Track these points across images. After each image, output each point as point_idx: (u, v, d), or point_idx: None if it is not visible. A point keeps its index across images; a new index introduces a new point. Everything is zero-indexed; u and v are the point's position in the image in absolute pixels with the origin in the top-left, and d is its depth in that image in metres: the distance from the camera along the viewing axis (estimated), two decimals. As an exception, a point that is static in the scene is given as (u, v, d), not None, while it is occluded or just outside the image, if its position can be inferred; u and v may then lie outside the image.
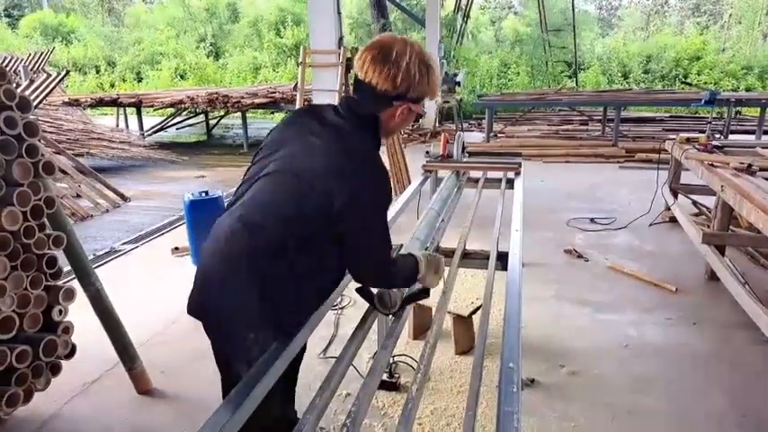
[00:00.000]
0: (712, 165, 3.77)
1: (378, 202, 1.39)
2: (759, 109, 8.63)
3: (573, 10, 14.72)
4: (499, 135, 9.96)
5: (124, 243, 4.75)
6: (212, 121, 12.72)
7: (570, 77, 14.69)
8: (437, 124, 10.64)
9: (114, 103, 10.30)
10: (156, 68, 18.49)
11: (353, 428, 1.28)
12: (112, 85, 18.38)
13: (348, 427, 1.26)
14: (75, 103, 9.63)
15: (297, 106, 5.11)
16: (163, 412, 2.45)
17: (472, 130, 11.05)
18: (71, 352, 2.38)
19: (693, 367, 2.70)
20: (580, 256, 4.17)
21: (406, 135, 9.64)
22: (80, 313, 2.48)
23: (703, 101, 5.09)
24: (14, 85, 2.12)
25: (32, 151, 2.17)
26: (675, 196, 4.86)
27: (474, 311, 2.81)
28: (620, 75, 15.52)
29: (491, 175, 3.67)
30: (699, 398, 2.45)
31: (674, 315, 3.23)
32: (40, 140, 2.22)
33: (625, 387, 2.54)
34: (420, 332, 3.03)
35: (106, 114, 13.98)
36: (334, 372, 1.45)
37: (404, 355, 2.75)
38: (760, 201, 2.83)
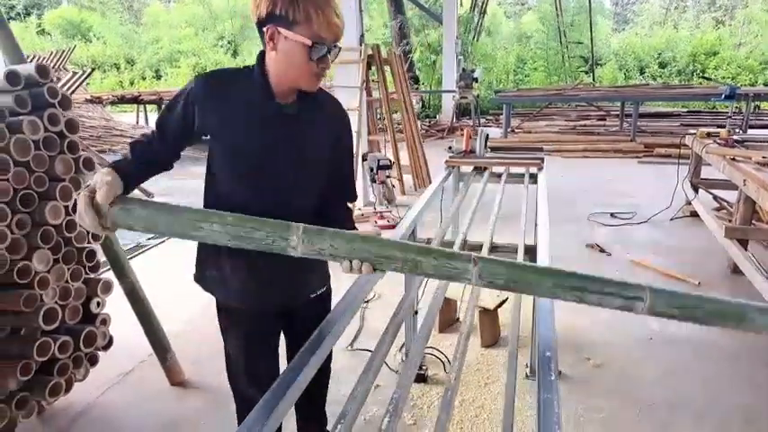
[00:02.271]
0: (734, 159, 3.75)
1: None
2: (780, 103, 8.51)
3: (589, 3, 14.60)
4: (516, 131, 9.94)
5: (150, 238, 4.85)
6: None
7: (587, 73, 14.58)
8: (454, 120, 10.63)
9: (135, 100, 10.46)
10: (175, 66, 18.70)
11: (395, 417, 1.33)
12: (132, 83, 18.65)
13: (390, 415, 1.31)
14: (96, 100, 9.80)
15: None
16: (195, 403, 2.51)
17: (489, 126, 11.03)
18: (109, 343, 2.45)
19: (718, 361, 2.71)
20: (602, 251, 4.18)
21: (423, 131, 9.66)
22: (112, 306, 2.56)
23: (723, 95, 5.06)
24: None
25: (73, 147, 2.24)
26: (696, 191, 4.84)
27: (500, 305, 2.85)
28: (636, 70, 15.38)
29: (513, 170, 3.70)
30: (724, 391, 2.46)
31: (699, 309, 3.23)
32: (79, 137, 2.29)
33: (649, 379, 2.56)
34: (446, 326, 3.07)
35: (126, 112, 14.17)
36: (370, 365, 1.49)
37: (431, 347, 2.79)
38: (786, 194, 2.82)
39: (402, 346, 2.78)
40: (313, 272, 1.59)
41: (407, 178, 6.01)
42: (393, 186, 5.26)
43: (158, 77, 18.99)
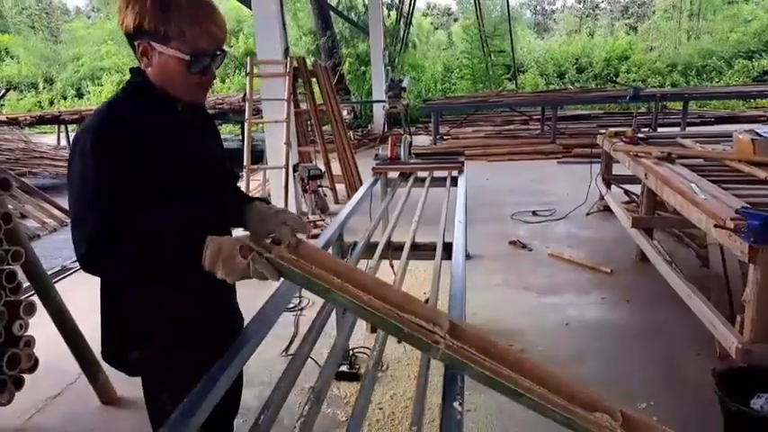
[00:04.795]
0: (637, 155, 4.10)
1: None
2: (682, 103, 9.28)
3: (509, 14, 15.32)
4: (445, 137, 10.27)
5: (75, 261, 4.68)
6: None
7: (510, 80, 15.26)
8: (386, 129, 10.84)
9: (56, 120, 9.98)
10: (97, 84, 17.95)
11: (314, 413, 1.40)
12: (52, 103, 17.71)
13: (312, 404, 1.39)
14: (13, 122, 9.29)
15: (246, 116, 5.18)
16: (130, 419, 2.49)
17: (420, 134, 11.33)
18: (34, 365, 2.39)
19: (627, 340, 2.97)
20: (524, 246, 4.44)
21: (356, 141, 9.80)
22: (39, 328, 2.50)
23: (628, 97, 5.48)
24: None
25: (-16, 169, 2.19)
26: (608, 186, 5.22)
27: (426, 302, 2.98)
28: (556, 76, 16.25)
29: (437, 174, 3.88)
30: (631, 366, 2.71)
31: (610, 294, 3.52)
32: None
33: (566, 360, 2.78)
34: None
35: (46, 133, 13.47)
36: (291, 366, 1.55)
37: (363, 347, 2.89)
38: (677, 185, 3.14)
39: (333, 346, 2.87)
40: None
41: (340, 188, 6.11)
42: (325, 195, 5.35)
43: (80, 96, 18.15)
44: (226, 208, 1.45)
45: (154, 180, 1.25)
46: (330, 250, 2.54)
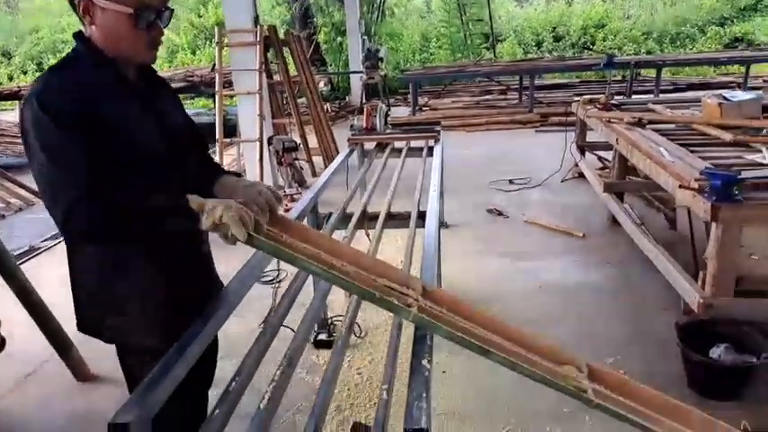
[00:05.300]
0: (609, 121, 4.15)
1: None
2: (656, 70, 9.35)
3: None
4: (424, 108, 10.22)
5: (44, 240, 4.61)
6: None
7: (488, 49, 15.16)
8: (363, 101, 10.74)
9: (15, 96, 9.62)
10: (58, 57, 17.29)
11: (285, 378, 1.42)
12: (11, 78, 17.05)
13: (283, 369, 1.41)
14: (-29, 99, 8.95)
15: (216, 89, 5.08)
16: (105, 394, 2.49)
17: (399, 105, 11.25)
18: (1, 345, 2.37)
19: (597, 300, 3.06)
20: (500, 214, 4.49)
21: (334, 113, 9.70)
22: (7, 310, 2.47)
23: (602, 64, 5.51)
24: None
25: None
26: (583, 153, 5.28)
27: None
28: (534, 44, 16.19)
29: (414, 144, 3.88)
30: (601, 324, 2.80)
31: (582, 257, 3.60)
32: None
33: (539, 321, 2.85)
34: (355, 294, 3.21)
35: (6, 110, 13.02)
36: (264, 333, 1.56)
37: (342, 316, 2.92)
38: (646, 149, 3.19)
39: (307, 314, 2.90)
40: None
41: (318, 160, 6.07)
42: (302, 169, 5.32)
43: (41, 70, 17.48)
44: (192, 178, 1.42)
45: (110, 151, 1.20)
46: (305, 221, 2.55)
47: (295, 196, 5.14)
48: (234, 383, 1.31)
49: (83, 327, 1.48)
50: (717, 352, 2.15)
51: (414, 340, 1.33)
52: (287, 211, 4.59)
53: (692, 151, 2.97)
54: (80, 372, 2.60)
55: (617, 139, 3.72)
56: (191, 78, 9.23)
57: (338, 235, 2.38)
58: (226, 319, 1.51)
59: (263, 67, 5.04)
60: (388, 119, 4.32)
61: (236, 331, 2.71)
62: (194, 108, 12.83)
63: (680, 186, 2.38)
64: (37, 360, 2.75)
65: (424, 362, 1.25)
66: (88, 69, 1.23)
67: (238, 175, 1.54)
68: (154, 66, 1.43)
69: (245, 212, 1.18)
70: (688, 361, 2.18)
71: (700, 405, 2.10)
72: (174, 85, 9.00)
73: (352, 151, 3.64)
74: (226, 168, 1.60)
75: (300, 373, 2.52)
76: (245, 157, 5.58)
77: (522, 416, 2.13)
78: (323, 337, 2.76)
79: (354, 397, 2.35)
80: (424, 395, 1.14)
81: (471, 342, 1.25)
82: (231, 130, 6.07)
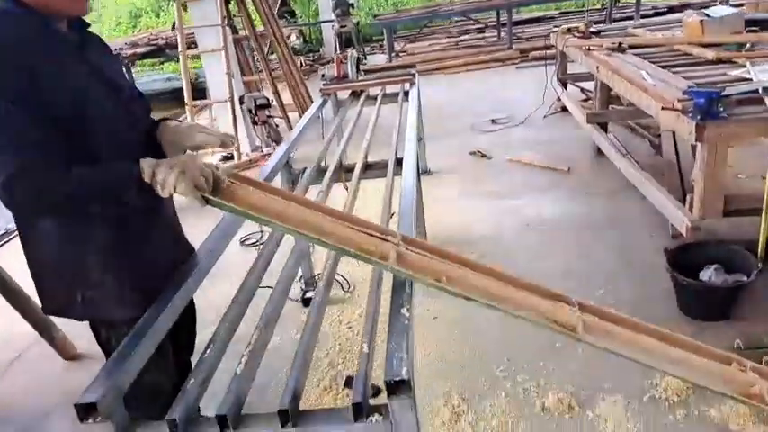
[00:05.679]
0: (589, 49, 4.01)
1: None
2: (635, -6, 9.07)
3: None
4: (401, 54, 9.93)
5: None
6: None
7: (463, -14, 14.60)
8: (337, 51, 10.41)
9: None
10: None
11: (265, 333, 1.37)
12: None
13: (256, 338, 1.35)
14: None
15: (179, 48, 4.84)
16: (94, 372, 2.45)
17: (375, 53, 10.92)
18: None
19: (584, 233, 3.02)
20: (483, 156, 4.40)
21: (307, 67, 9.40)
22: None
23: (579, -10, 5.26)
24: None
25: None
26: (564, 86, 5.15)
27: (390, 216, 2.95)
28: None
29: (390, 90, 3.74)
30: (589, 257, 2.77)
31: (568, 192, 3.55)
32: None
33: (528, 258, 2.83)
34: (340, 249, 3.16)
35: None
36: (238, 296, 1.50)
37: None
38: (627, 74, 3.08)
39: (300, 278, 2.85)
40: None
41: (294, 117, 5.88)
42: (277, 126, 5.16)
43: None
44: (140, 132, 1.35)
45: (52, 112, 1.12)
46: (278, 178, 2.45)
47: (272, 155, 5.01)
48: (209, 351, 1.26)
49: (48, 308, 1.41)
50: (707, 274, 2.12)
51: (392, 288, 1.27)
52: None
53: (674, 72, 2.87)
54: (66, 351, 2.55)
55: (597, 67, 3.60)
56: (155, 42, 8.87)
57: (314, 190, 2.30)
58: (199, 283, 1.45)
59: (226, 21, 4.79)
60: (362, 66, 4.16)
61: (218, 299, 2.66)
62: (164, 73, 12.41)
63: (663, 108, 2.29)
64: (21, 345, 2.70)
65: (404, 310, 1.20)
66: (16, 25, 1.13)
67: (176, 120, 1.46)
68: (98, 32, 1.34)
69: (200, 172, 1.11)
70: (678, 285, 2.16)
71: (690, 326, 2.12)
72: (138, 51, 8.69)
73: (324, 102, 3.50)
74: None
75: (291, 333, 2.49)
76: (218, 121, 5.40)
77: (516, 354, 2.12)
78: (311, 295, 2.71)
79: (346, 351, 2.33)
80: (404, 344, 1.09)
81: (454, 290, 1.19)
82: (203, 93, 5.85)
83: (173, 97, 8.36)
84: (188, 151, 1.36)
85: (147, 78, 12.90)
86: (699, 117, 2.10)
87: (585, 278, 2.56)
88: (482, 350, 2.19)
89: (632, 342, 1.24)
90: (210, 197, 1.13)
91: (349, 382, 2.11)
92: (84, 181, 1.13)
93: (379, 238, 1.26)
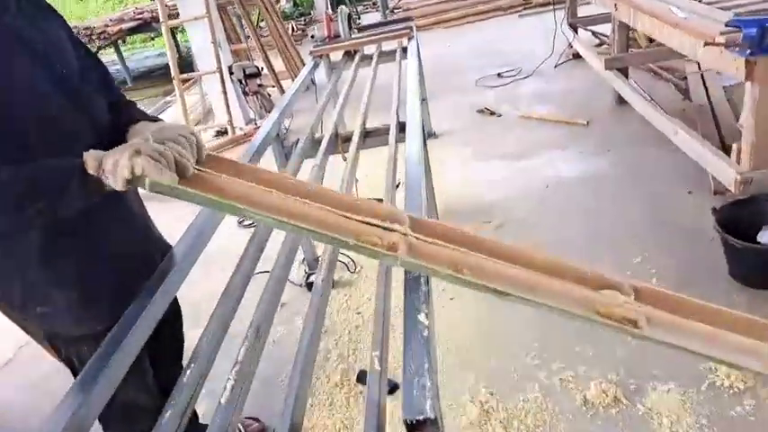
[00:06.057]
0: (604, -14, 3.64)
1: None
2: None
3: None
4: (396, 10, 9.46)
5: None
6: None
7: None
8: (329, 11, 9.94)
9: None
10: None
11: (266, 325, 1.16)
12: None
13: (252, 340, 1.13)
14: None
15: (161, 19, 4.51)
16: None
17: (368, 11, 10.45)
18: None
19: (612, 191, 2.74)
20: (492, 113, 4.08)
21: (299, 31, 8.98)
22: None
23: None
24: None
25: None
26: (575, 31, 4.77)
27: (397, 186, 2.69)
28: None
29: (386, 47, 3.42)
30: (620, 219, 2.49)
31: (588, 147, 3.25)
32: None
33: (551, 224, 2.56)
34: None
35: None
36: (230, 283, 1.29)
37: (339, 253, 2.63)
38: (652, 9, 2.74)
39: (303, 260, 2.63)
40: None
41: (287, 84, 5.56)
42: (270, 96, 4.85)
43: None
44: (105, 130, 1.10)
45: None
46: (269, 153, 2.19)
47: (269, 127, 4.73)
48: (190, 370, 1.04)
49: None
50: (766, 236, 1.85)
51: (404, 285, 1.02)
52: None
53: (707, 3, 2.53)
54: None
55: (615, 5, 3.25)
56: (140, 16, 8.46)
57: (309, 164, 2.04)
58: (179, 283, 1.22)
59: (208, -15, 4.43)
60: (354, 24, 3.82)
61: (218, 287, 2.45)
62: (156, 48, 12.03)
63: (706, 44, 1.98)
64: (14, 347, 2.53)
65: (421, 317, 0.95)
66: None
67: (154, 119, 1.19)
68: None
69: (160, 151, 0.88)
70: (729, 248, 1.89)
71: (742, 295, 1.87)
72: (125, 27, 8.31)
73: (316, 65, 3.19)
74: (150, 114, 1.23)
75: (297, 322, 2.28)
76: (209, 95, 5.10)
77: (547, 338, 1.88)
78: (314, 278, 2.48)
79: (356, 341, 2.11)
80: (426, 365, 0.84)
81: (479, 282, 0.95)
82: (192, 67, 5.53)
83: (166, 72, 8.09)
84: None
85: (139, 55, 12.52)
86: (749, 51, 1.79)
87: (618, 245, 2.30)
88: (508, 334, 1.95)
89: (709, 335, 0.98)
90: (174, 185, 0.88)
91: (362, 378, 1.89)
92: (10, 178, 0.89)
93: (384, 228, 1.01)
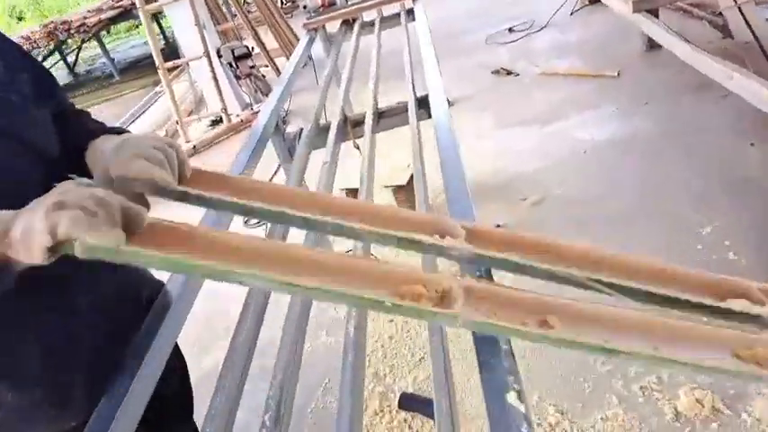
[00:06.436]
0: None
1: None
2: None
3: None
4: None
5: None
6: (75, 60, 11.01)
7: None
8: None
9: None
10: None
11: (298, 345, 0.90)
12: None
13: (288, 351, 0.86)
14: None
15: (137, 4, 4.14)
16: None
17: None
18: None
19: (659, 151, 2.42)
20: (509, 73, 3.73)
21: (288, 4, 8.52)
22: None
23: None
24: None
25: None
26: (589, -27, 4.35)
27: (410, 180, 2.39)
28: None
29: (387, 11, 3.07)
30: (676, 183, 2.18)
31: (623, 102, 2.91)
32: None
33: (597, 195, 2.25)
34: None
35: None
36: (249, 299, 1.02)
37: (350, 250, 2.36)
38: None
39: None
40: None
41: (282, 62, 5.20)
42: (264, 77, 4.51)
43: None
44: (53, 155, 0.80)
45: None
46: (269, 148, 1.89)
47: (267, 111, 4.40)
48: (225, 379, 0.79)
49: None
50: None
51: (474, 341, 0.73)
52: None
53: None
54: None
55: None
56: (120, 4, 8.05)
57: (317, 156, 1.75)
58: (177, 330, 0.95)
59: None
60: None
61: (231, 301, 2.21)
62: (142, 37, 11.59)
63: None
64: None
65: (511, 397, 0.66)
66: None
67: (119, 131, 0.87)
68: None
69: (100, 198, 0.59)
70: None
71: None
72: (103, 17, 7.91)
73: (312, 39, 2.85)
74: (109, 126, 0.91)
75: (322, 337, 2.02)
76: (198, 82, 4.77)
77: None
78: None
79: (392, 356, 1.84)
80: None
81: (584, 343, 0.65)
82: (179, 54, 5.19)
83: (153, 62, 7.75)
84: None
85: (125, 46, 12.11)
86: None
87: (680, 215, 2.00)
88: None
89: None
90: (121, 246, 0.59)
91: (405, 403, 1.64)
92: None
93: (432, 246, 0.72)
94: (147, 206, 0.67)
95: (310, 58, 3.43)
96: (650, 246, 1.89)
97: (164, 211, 0.73)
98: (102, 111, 6.98)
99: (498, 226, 2.23)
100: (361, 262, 0.68)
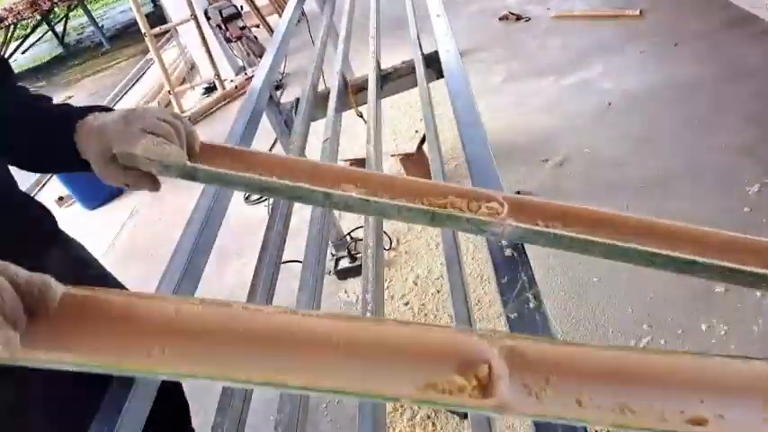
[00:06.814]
0: None
1: None
2: None
3: None
4: None
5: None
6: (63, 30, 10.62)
7: None
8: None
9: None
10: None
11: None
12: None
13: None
14: None
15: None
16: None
17: None
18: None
19: (694, 98, 2.19)
20: (519, 18, 3.44)
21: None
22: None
23: None
24: None
25: None
26: None
27: (421, 142, 2.19)
28: None
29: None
30: (716, 135, 1.97)
31: (649, 44, 2.65)
32: None
33: (625, 155, 2.05)
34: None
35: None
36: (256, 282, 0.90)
37: (360, 227, 2.19)
38: None
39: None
40: None
41: (274, 20, 4.90)
42: (257, 38, 4.23)
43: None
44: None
45: None
46: (264, 120, 1.70)
47: (262, 75, 4.15)
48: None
49: None
50: None
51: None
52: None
53: None
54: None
55: None
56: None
57: (317, 127, 1.57)
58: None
59: None
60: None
61: (236, 280, 2.08)
62: (125, 3, 11.14)
63: None
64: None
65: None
66: None
67: (106, 108, 0.70)
68: None
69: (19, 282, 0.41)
70: None
71: None
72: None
73: (304, -5, 2.59)
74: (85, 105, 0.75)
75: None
76: (188, 48, 4.51)
77: (659, 312, 1.45)
78: (346, 263, 2.06)
79: (411, 343, 1.70)
80: None
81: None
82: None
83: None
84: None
85: (113, 12, 11.65)
86: None
87: (724, 172, 1.80)
88: (607, 312, 1.52)
89: None
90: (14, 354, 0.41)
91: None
92: None
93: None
94: (156, 186, 0.64)
95: (303, 14, 3.17)
96: (689, 210, 1.71)
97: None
98: (85, 85, 6.74)
99: (518, 193, 2.05)
100: (368, 330, 0.48)
